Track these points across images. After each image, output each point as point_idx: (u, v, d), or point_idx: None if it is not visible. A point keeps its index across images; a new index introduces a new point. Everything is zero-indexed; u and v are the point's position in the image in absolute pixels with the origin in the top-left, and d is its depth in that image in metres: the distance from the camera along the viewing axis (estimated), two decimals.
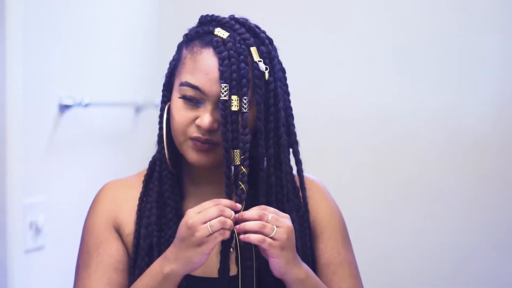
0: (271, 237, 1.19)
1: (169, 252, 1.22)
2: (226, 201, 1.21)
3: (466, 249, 2.55)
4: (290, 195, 1.33)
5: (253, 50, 1.25)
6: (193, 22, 1.35)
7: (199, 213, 1.19)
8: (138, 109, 2.51)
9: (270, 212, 1.21)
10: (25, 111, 1.88)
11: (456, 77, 2.55)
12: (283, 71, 1.33)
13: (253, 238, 1.19)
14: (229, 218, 1.19)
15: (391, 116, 2.60)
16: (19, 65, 1.85)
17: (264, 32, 1.30)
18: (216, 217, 1.18)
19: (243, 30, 1.27)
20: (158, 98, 2.43)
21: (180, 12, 2.67)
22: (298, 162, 1.36)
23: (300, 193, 1.36)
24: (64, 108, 2.06)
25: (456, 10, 2.55)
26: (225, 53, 1.22)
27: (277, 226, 1.20)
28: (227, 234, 1.19)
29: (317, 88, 2.64)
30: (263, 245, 1.19)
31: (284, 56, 1.36)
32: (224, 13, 1.32)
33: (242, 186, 1.23)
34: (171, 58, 1.36)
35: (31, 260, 1.94)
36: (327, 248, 1.36)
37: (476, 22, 2.53)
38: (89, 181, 2.19)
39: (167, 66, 1.36)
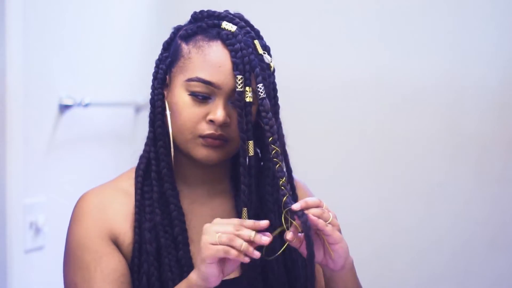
0: (329, 223, 1.18)
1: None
2: (249, 223, 1.18)
3: (464, 248, 2.55)
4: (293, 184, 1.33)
5: (257, 43, 1.25)
6: None
7: (216, 232, 1.15)
8: (138, 109, 2.51)
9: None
10: (25, 111, 1.88)
11: (456, 76, 2.55)
12: None
13: (321, 223, 1.16)
14: (247, 239, 1.15)
15: (391, 115, 2.60)
16: (19, 65, 1.85)
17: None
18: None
19: (243, 23, 1.27)
20: None
21: (179, 12, 2.66)
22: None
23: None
24: (64, 108, 2.06)
25: (456, 8, 2.55)
26: (237, 45, 1.23)
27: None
28: (232, 253, 1.14)
29: (314, 81, 2.64)
30: (326, 230, 1.17)
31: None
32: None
33: None
34: None
35: (31, 260, 1.94)
36: None
37: (476, 20, 2.53)
38: (89, 181, 2.18)
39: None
